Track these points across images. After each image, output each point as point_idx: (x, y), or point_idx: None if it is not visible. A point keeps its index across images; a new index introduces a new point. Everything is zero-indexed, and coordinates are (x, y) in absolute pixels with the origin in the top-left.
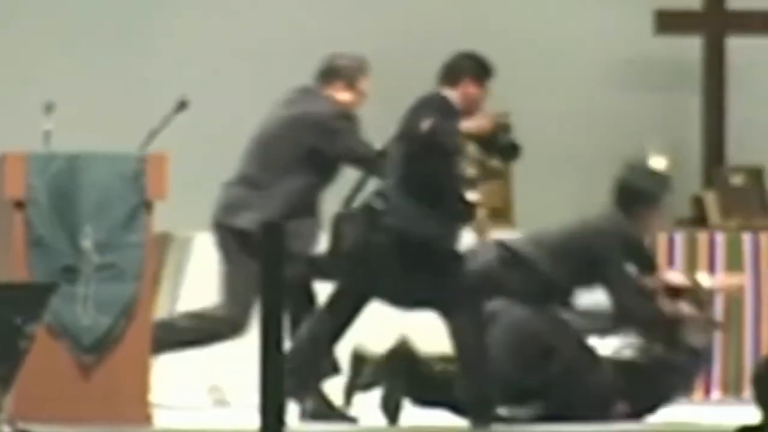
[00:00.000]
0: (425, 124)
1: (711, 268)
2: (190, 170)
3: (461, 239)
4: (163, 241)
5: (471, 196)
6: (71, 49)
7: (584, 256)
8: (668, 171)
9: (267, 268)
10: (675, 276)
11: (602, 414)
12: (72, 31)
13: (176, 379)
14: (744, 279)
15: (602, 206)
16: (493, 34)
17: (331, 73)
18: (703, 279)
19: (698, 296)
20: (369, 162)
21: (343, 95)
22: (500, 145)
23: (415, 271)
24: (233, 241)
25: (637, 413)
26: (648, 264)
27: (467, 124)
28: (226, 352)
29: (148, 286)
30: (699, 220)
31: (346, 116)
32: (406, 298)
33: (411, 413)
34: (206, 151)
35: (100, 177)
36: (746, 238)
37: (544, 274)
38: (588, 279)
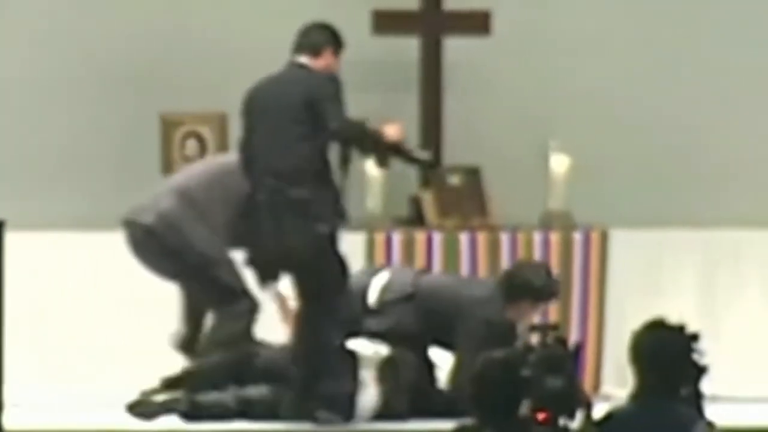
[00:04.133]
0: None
1: (428, 268)
2: None
3: None
4: None
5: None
6: None
7: (447, 314)
8: (385, 173)
9: None
10: None
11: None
12: None
13: None
14: None
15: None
16: (208, 33)
17: None
18: None
19: None
20: None
21: None
22: (416, 157)
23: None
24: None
25: None
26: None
27: (391, 132)
28: None
29: None
30: (416, 219)
31: None
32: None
33: None
34: None
35: None
36: (463, 237)
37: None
38: (438, 334)
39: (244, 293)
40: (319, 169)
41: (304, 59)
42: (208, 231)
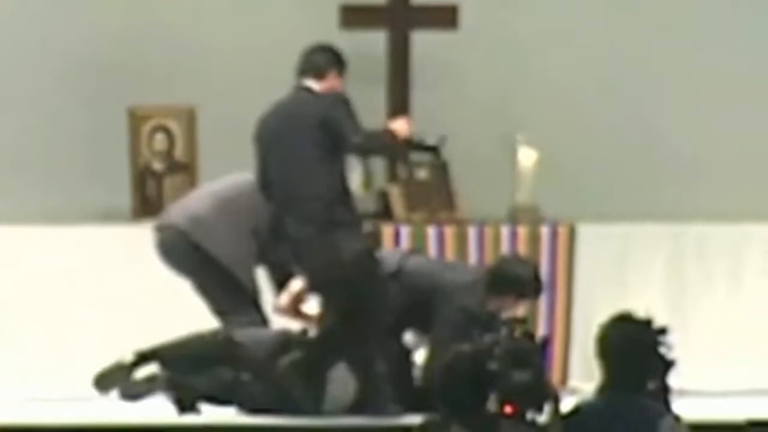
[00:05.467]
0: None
1: None
2: None
3: None
4: None
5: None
6: None
7: (427, 296)
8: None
9: None
10: None
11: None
12: None
13: None
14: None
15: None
16: (176, 28)
17: None
18: None
19: None
20: None
21: None
22: (428, 146)
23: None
24: None
25: None
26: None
27: (401, 129)
28: None
29: None
30: (384, 213)
31: None
32: None
33: None
34: None
35: None
36: (431, 231)
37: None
38: (416, 316)
39: (257, 307)
40: (344, 187)
41: (309, 82)
42: (238, 236)
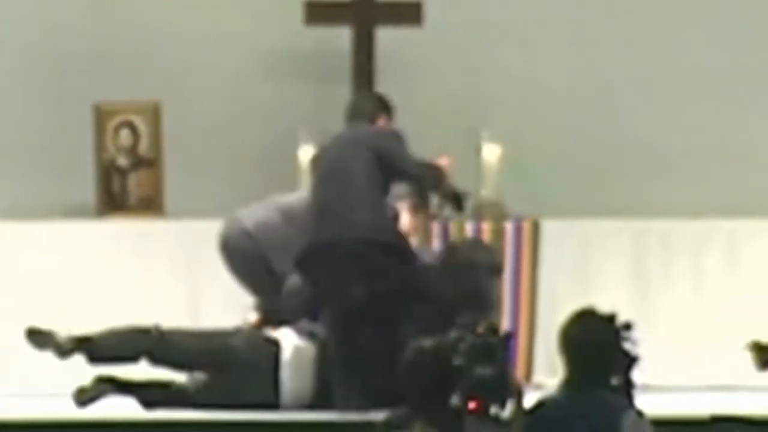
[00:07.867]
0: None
1: None
2: None
3: None
4: None
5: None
6: None
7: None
8: None
9: None
10: None
11: None
12: None
13: None
14: None
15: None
16: (141, 24)
17: None
18: None
19: None
20: None
21: None
22: (453, 192)
23: None
24: None
25: None
26: None
27: (448, 166)
28: None
29: None
30: None
31: None
32: None
33: None
34: None
35: None
36: None
37: None
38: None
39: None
40: (391, 215)
41: (361, 123)
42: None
